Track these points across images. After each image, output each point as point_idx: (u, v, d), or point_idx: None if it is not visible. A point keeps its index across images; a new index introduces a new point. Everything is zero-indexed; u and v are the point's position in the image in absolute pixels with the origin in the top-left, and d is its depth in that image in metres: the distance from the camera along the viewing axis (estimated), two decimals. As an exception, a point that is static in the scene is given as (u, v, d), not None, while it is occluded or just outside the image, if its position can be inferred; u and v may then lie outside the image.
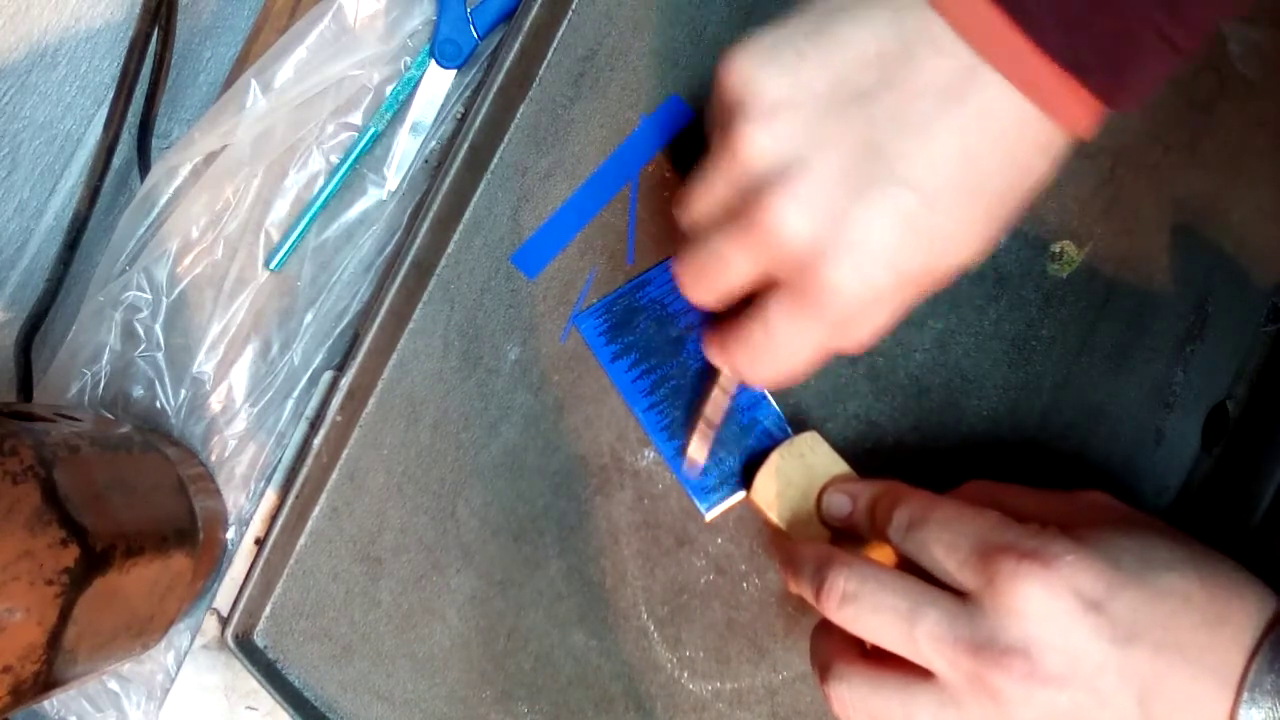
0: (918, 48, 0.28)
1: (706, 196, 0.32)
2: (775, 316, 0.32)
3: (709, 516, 0.41)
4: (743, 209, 0.30)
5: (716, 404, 0.39)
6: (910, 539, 0.33)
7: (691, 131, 0.42)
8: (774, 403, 0.41)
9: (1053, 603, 0.29)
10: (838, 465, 0.39)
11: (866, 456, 0.41)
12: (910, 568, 0.33)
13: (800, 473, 0.39)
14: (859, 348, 0.33)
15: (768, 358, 0.33)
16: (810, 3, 0.30)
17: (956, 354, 0.41)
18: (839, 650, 0.34)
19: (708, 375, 0.41)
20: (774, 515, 0.39)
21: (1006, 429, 0.41)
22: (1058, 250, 0.41)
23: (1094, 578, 0.29)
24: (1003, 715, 0.29)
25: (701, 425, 0.40)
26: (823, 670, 0.34)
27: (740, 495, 0.41)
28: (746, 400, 0.41)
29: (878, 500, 0.36)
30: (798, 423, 0.41)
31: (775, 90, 0.29)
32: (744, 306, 0.33)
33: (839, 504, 0.38)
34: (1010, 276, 0.41)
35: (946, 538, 0.32)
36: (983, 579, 0.30)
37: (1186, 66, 0.29)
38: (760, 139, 0.29)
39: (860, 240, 0.29)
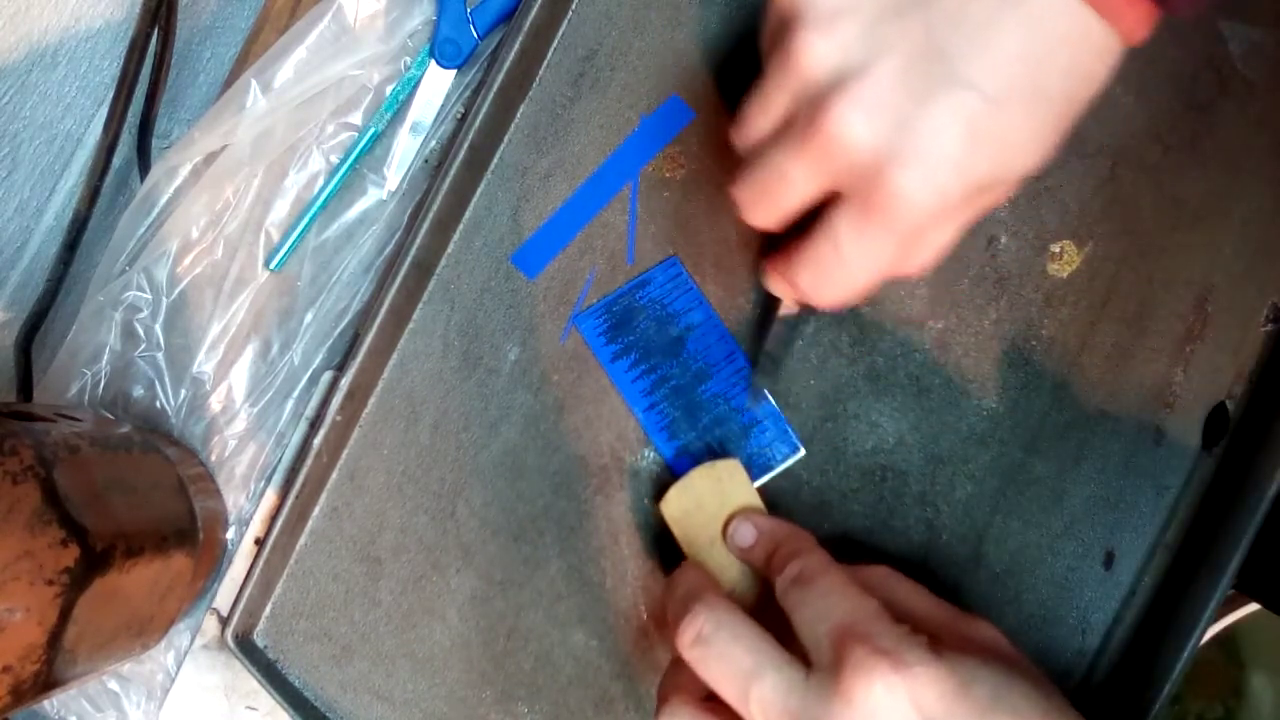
0: None
1: (765, 112, 0.32)
2: (843, 231, 0.31)
3: None
4: (804, 120, 0.30)
5: (778, 337, 0.39)
6: (789, 594, 0.33)
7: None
8: (774, 402, 0.41)
9: (889, 705, 0.28)
10: (751, 498, 0.39)
11: (867, 456, 0.41)
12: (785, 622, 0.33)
13: (713, 496, 0.39)
14: (920, 270, 0.32)
15: (835, 276, 0.32)
16: None
17: (956, 354, 0.41)
18: (680, 687, 0.34)
19: (768, 306, 0.40)
20: (677, 531, 0.39)
21: (1006, 429, 0.41)
22: (1058, 250, 0.41)
23: (938, 696, 0.29)
24: None
25: (764, 361, 0.40)
26: (659, 702, 0.34)
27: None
28: (746, 400, 0.41)
29: (781, 544, 0.36)
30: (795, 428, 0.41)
31: None
32: (798, 234, 0.33)
33: (744, 534, 0.37)
34: (1010, 276, 0.41)
35: (818, 607, 0.32)
36: (831, 659, 0.30)
37: None
38: (820, 46, 0.29)
39: (927, 144, 0.28)
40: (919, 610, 0.34)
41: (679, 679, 0.35)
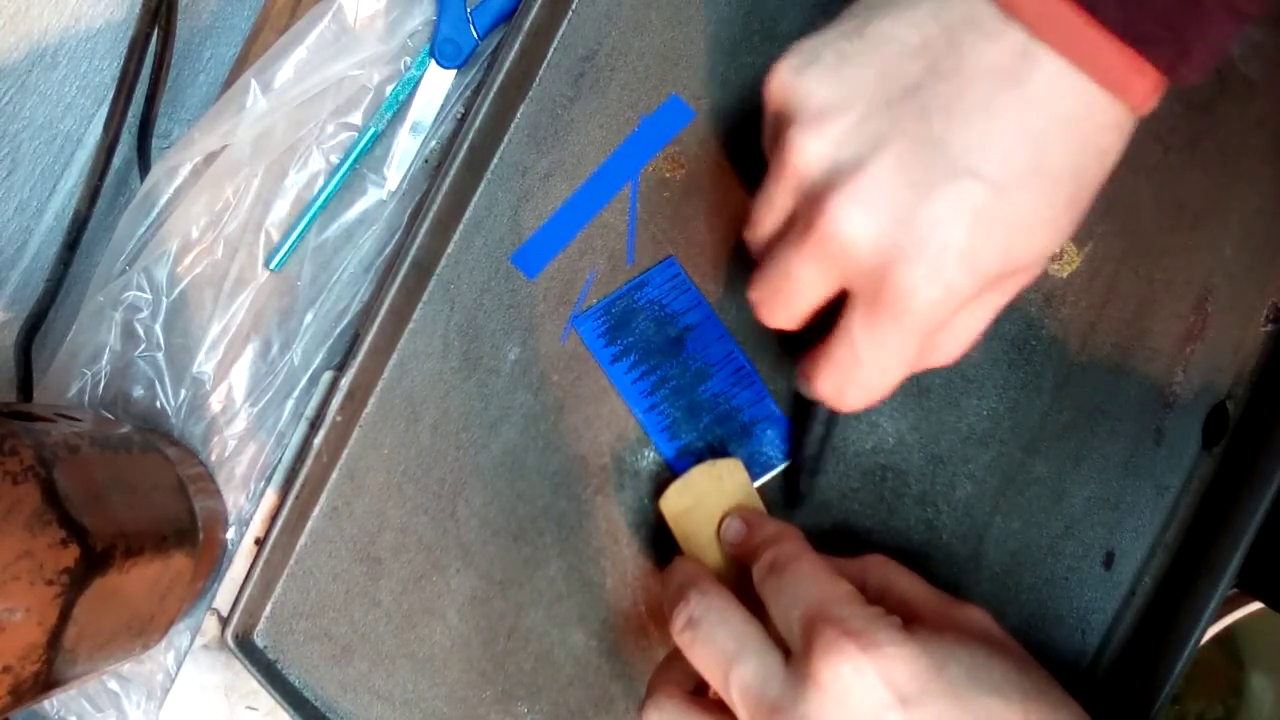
0: (964, 34, 0.27)
1: (770, 212, 0.31)
2: (858, 333, 0.30)
3: None
4: (804, 219, 0.29)
5: (816, 437, 0.39)
6: (765, 583, 0.33)
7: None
8: (777, 405, 0.41)
9: (858, 686, 0.28)
10: (750, 497, 0.39)
11: (867, 456, 0.41)
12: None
13: (712, 494, 0.39)
14: (950, 360, 0.31)
15: (857, 379, 0.31)
16: (850, 5, 0.29)
17: (956, 354, 0.41)
18: (668, 681, 0.34)
19: (800, 406, 0.40)
20: (675, 528, 0.39)
21: (1006, 429, 0.41)
22: (1058, 250, 0.41)
23: (910, 675, 0.28)
24: None
25: (808, 463, 0.40)
26: (647, 693, 0.34)
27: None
28: (746, 399, 0.41)
29: (768, 539, 0.36)
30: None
31: (821, 94, 0.29)
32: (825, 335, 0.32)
33: (735, 530, 0.37)
34: (1010, 276, 0.41)
35: (792, 592, 0.31)
36: (802, 644, 0.30)
37: (1246, 31, 0.27)
38: (812, 145, 0.29)
39: (931, 238, 0.27)
40: (910, 596, 0.34)
41: (669, 673, 0.35)
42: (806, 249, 0.30)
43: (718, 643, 0.31)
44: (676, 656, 0.35)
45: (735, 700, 0.30)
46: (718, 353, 0.41)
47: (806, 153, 0.29)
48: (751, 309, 0.34)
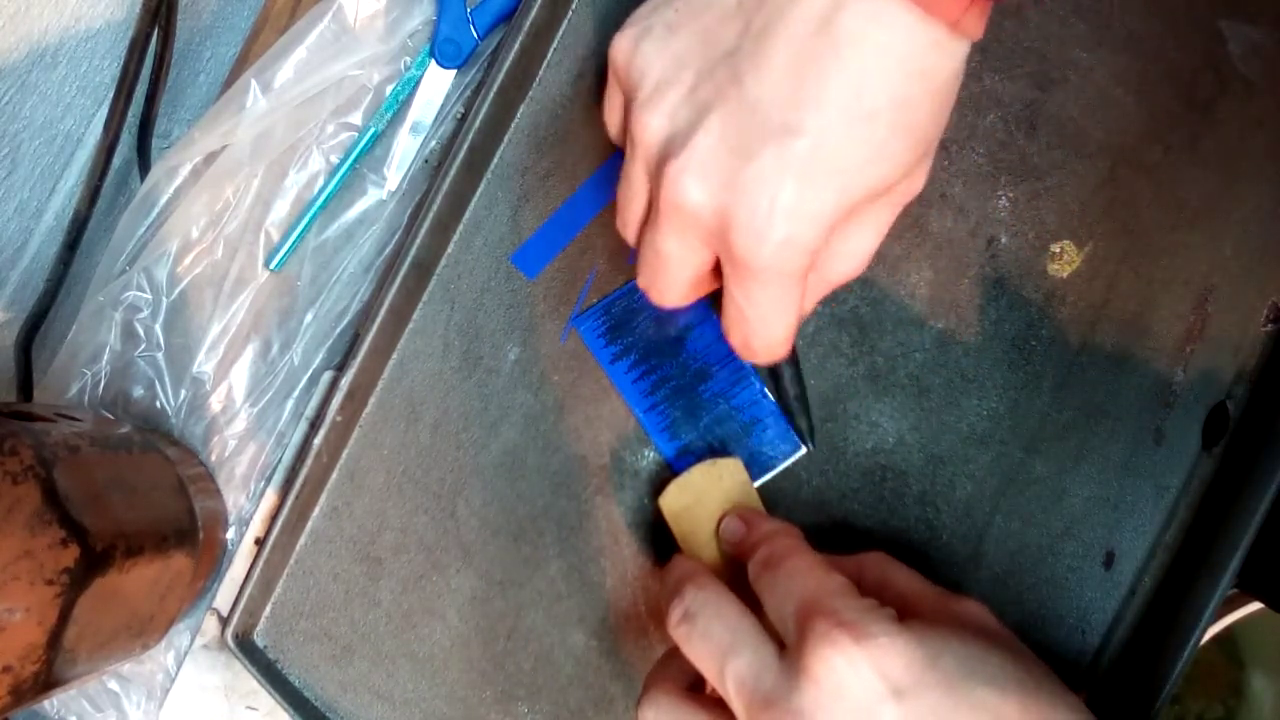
0: None
1: (630, 194, 0.32)
2: (735, 293, 0.31)
3: None
4: (655, 194, 0.30)
5: (788, 379, 0.40)
6: (759, 579, 0.33)
7: None
8: (771, 396, 0.41)
9: (851, 678, 0.28)
10: (749, 496, 0.39)
11: (867, 456, 0.41)
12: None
13: (712, 493, 0.39)
14: (853, 273, 0.32)
15: (751, 332, 0.32)
16: None
17: (956, 354, 0.41)
18: (664, 678, 0.34)
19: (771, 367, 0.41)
20: (674, 526, 0.39)
21: (1006, 429, 0.41)
22: (1058, 250, 0.41)
23: (904, 666, 0.28)
24: None
25: (794, 405, 0.40)
26: (644, 690, 0.34)
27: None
28: (746, 399, 0.41)
29: (765, 536, 0.36)
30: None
31: (655, 67, 0.29)
32: None
33: (734, 529, 0.37)
34: (1010, 276, 0.41)
35: (785, 587, 0.32)
36: (796, 637, 0.30)
37: None
38: (650, 119, 0.29)
39: (759, 199, 0.28)
40: (907, 590, 0.34)
41: (665, 670, 0.35)
42: (662, 222, 0.30)
43: (713, 636, 0.31)
44: (673, 654, 0.35)
45: (730, 693, 0.30)
46: (717, 353, 0.41)
47: (648, 128, 0.29)
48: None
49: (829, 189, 0.28)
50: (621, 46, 0.30)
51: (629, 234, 0.34)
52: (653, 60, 0.29)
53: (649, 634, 0.41)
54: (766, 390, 0.41)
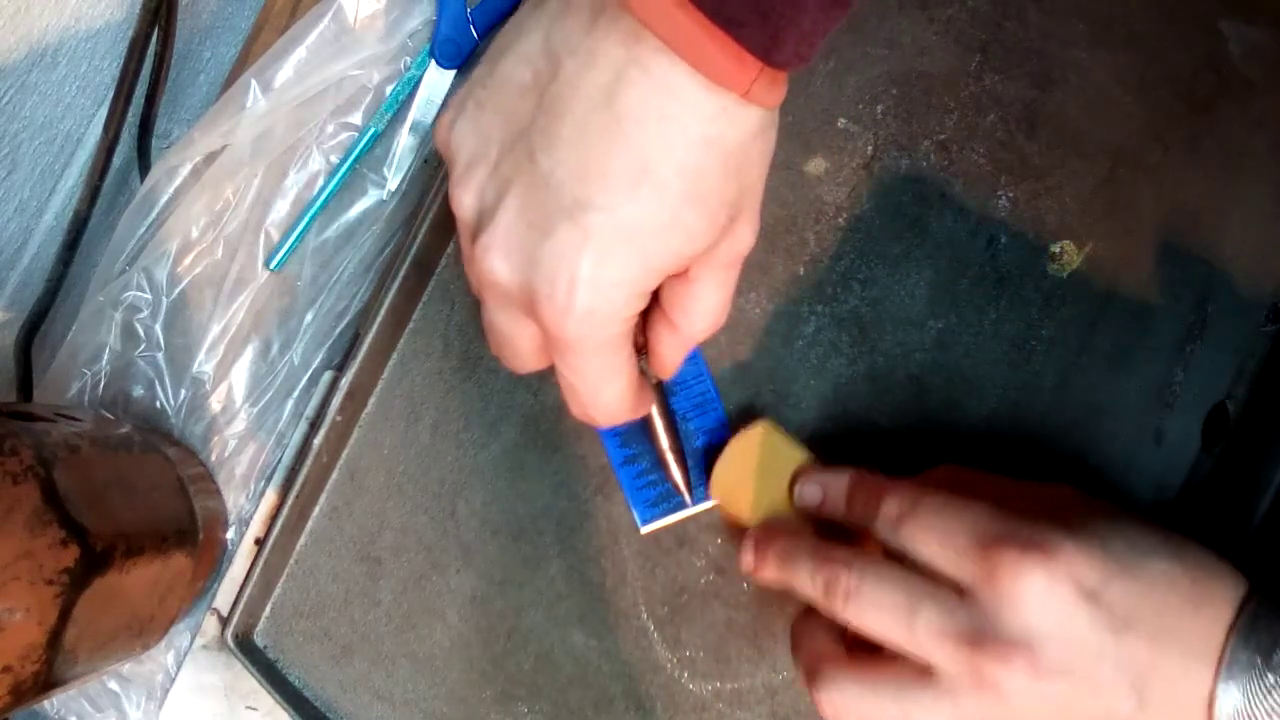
0: (563, 59, 0.27)
1: (466, 270, 0.32)
2: (558, 363, 0.31)
3: (644, 530, 0.41)
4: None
5: (657, 434, 0.39)
6: (900, 533, 0.33)
7: None
8: (721, 404, 0.41)
9: (1054, 593, 0.29)
10: (797, 450, 0.39)
11: (867, 456, 0.41)
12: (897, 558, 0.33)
13: (760, 462, 0.39)
14: (709, 329, 0.32)
15: (585, 401, 0.32)
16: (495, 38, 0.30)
17: (956, 354, 0.41)
18: (825, 654, 0.34)
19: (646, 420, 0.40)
20: (737, 509, 0.39)
21: (1006, 429, 0.41)
22: (1058, 250, 0.41)
23: (1090, 567, 0.30)
24: (1002, 706, 0.29)
25: (664, 457, 0.40)
26: (810, 674, 0.34)
27: (681, 514, 0.41)
28: (705, 425, 0.41)
29: (854, 491, 0.36)
30: (748, 411, 0.41)
31: (466, 146, 0.30)
32: None
33: (811, 493, 0.37)
34: (1010, 276, 0.41)
35: (939, 529, 0.32)
36: (983, 570, 0.30)
37: (844, 21, 0.26)
38: (463, 198, 0.30)
39: (558, 274, 0.28)
40: (1000, 492, 0.34)
41: (815, 645, 0.35)
42: (485, 298, 0.31)
43: (887, 601, 0.31)
44: (807, 629, 0.35)
45: (928, 646, 0.30)
46: (688, 371, 0.41)
47: (461, 206, 0.30)
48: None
49: (627, 259, 0.28)
50: (441, 125, 0.31)
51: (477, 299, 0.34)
52: (464, 139, 0.30)
53: (649, 634, 0.41)
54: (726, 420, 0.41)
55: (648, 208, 0.28)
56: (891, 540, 0.33)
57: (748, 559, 0.37)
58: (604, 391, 0.32)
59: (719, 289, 0.32)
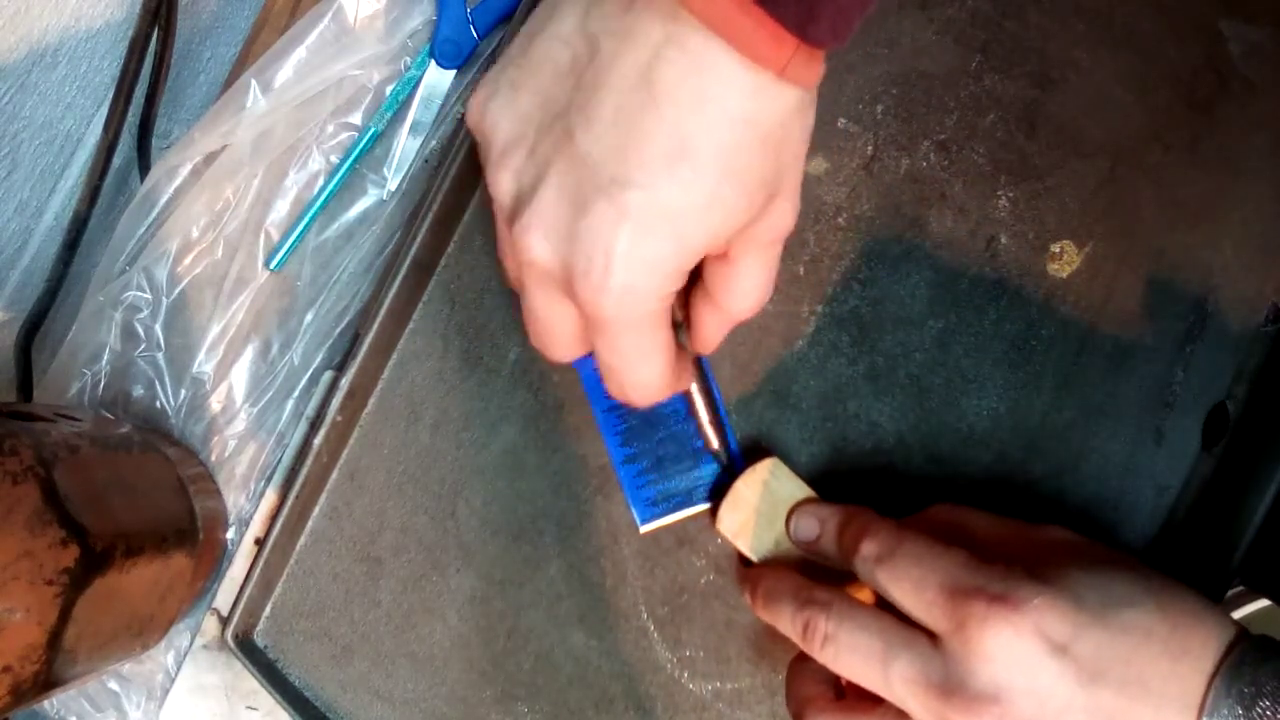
0: (601, 40, 0.27)
1: (501, 254, 0.32)
2: (597, 343, 0.31)
3: (644, 530, 0.41)
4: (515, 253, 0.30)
5: (698, 411, 0.39)
6: (877, 574, 0.33)
7: None
8: (735, 439, 0.41)
9: (1021, 647, 0.29)
10: (801, 490, 0.39)
11: (867, 457, 0.41)
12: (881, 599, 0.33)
13: (764, 499, 0.39)
14: (751, 313, 0.32)
15: (624, 381, 0.32)
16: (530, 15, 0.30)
17: (956, 354, 0.41)
18: (813, 696, 0.34)
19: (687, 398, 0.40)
20: (740, 544, 0.39)
21: (1006, 429, 0.41)
22: (1058, 250, 0.41)
23: (1059, 619, 0.30)
24: None
25: (704, 430, 0.40)
26: (797, 714, 0.34)
27: (679, 515, 0.41)
28: (694, 425, 0.41)
29: (844, 527, 0.36)
30: (756, 445, 0.41)
31: (503, 130, 0.29)
32: None
33: (807, 528, 0.38)
34: (1010, 276, 0.41)
35: (914, 575, 0.32)
36: (952, 622, 0.30)
37: (879, 2, 0.26)
38: (500, 180, 0.30)
39: (595, 251, 0.28)
40: (992, 533, 0.35)
41: (804, 687, 0.35)
42: (525, 280, 0.31)
43: (863, 648, 0.32)
44: (800, 671, 0.36)
45: (900, 694, 0.31)
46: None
47: (499, 188, 0.30)
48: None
49: (664, 237, 0.28)
50: (473, 109, 0.31)
51: (513, 289, 0.34)
52: (500, 120, 0.30)
53: (649, 634, 0.41)
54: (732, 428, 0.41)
55: (686, 186, 0.28)
56: (870, 580, 0.34)
57: (746, 597, 0.38)
58: (642, 370, 0.32)
59: (762, 268, 0.32)
